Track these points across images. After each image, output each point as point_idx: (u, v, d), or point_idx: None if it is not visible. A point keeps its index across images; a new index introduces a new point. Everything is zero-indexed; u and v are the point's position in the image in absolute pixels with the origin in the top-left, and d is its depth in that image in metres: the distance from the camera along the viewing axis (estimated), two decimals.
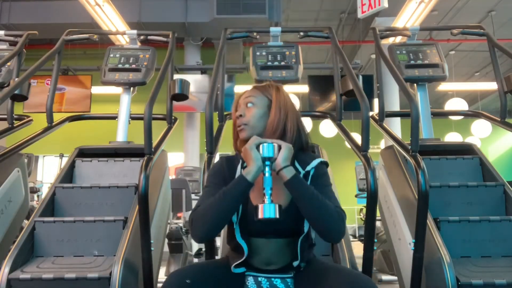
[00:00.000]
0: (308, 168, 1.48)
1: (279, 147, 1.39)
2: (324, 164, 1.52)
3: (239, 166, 1.52)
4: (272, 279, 1.43)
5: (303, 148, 1.54)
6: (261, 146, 1.38)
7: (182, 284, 1.30)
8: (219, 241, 2.38)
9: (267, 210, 1.31)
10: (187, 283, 1.30)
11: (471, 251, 2.12)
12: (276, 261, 1.45)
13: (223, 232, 1.91)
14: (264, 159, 1.37)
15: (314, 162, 1.49)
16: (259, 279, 1.43)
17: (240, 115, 1.51)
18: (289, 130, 1.50)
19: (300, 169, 1.48)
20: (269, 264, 1.45)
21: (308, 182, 1.45)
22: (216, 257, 2.12)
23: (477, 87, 10.62)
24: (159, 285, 2.02)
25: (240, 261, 1.43)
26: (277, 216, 1.31)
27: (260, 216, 1.31)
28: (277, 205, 1.32)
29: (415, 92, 2.78)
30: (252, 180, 1.36)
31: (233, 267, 1.44)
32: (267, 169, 1.37)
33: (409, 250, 2.05)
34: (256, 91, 1.55)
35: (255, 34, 2.86)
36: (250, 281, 1.44)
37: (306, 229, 1.44)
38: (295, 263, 1.43)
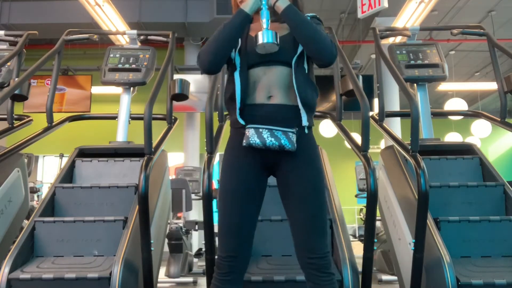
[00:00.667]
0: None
1: None
2: (317, 19, 1.62)
3: None
4: (274, 130, 1.47)
5: (298, 5, 1.62)
6: None
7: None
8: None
9: (265, 35, 1.44)
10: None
11: (471, 251, 2.12)
12: (276, 91, 1.51)
13: None
14: None
15: (309, 15, 1.60)
16: (260, 130, 1.47)
17: None
18: None
19: None
20: (269, 97, 1.51)
21: None
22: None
23: (477, 87, 10.60)
24: (159, 285, 2.03)
25: (238, 102, 1.49)
26: (275, 41, 1.44)
27: (259, 41, 1.44)
28: (274, 32, 1.45)
29: (415, 92, 2.78)
30: (250, 11, 1.50)
31: (238, 116, 1.50)
32: (263, 2, 1.51)
33: (409, 250, 2.05)
34: None
35: None
36: (250, 131, 1.48)
37: (299, 50, 1.52)
38: (304, 120, 1.50)
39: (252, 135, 1.46)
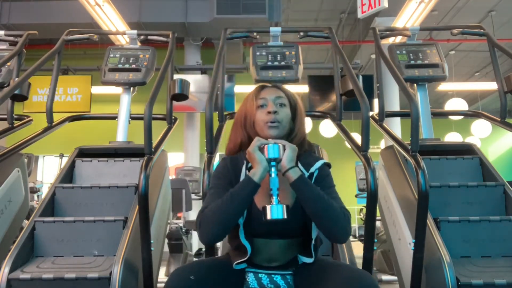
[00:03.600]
0: (312, 169, 1.50)
1: (284, 148, 1.40)
2: (327, 166, 1.54)
3: (243, 167, 1.52)
4: (272, 275, 1.45)
5: (305, 150, 1.57)
6: (266, 147, 1.38)
7: (187, 281, 1.31)
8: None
9: (275, 211, 1.32)
10: (191, 280, 1.31)
11: (471, 251, 2.11)
12: (278, 259, 1.47)
13: None
14: (269, 160, 1.38)
15: (318, 164, 1.51)
16: (259, 275, 1.45)
17: (275, 112, 1.51)
18: (298, 137, 1.55)
19: (304, 171, 1.49)
20: (271, 262, 1.47)
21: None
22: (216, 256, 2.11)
23: (477, 87, 10.62)
24: (159, 285, 2.03)
25: (243, 259, 1.44)
26: (285, 216, 1.32)
27: (268, 217, 1.32)
28: (284, 206, 1.33)
29: (415, 92, 2.78)
30: (259, 181, 1.37)
31: (235, 264, 1.45)
32: (273, 169, 1.37)
33: (409, 250, 2.05)
34: (283, 93, 1.60)
35: (255, 34, 2.86)
36: (250, 277, 1.46)
37: (315, 232, 1.45)
38: (306, 260, 1.45)
39: (252, 281, 1.45)
